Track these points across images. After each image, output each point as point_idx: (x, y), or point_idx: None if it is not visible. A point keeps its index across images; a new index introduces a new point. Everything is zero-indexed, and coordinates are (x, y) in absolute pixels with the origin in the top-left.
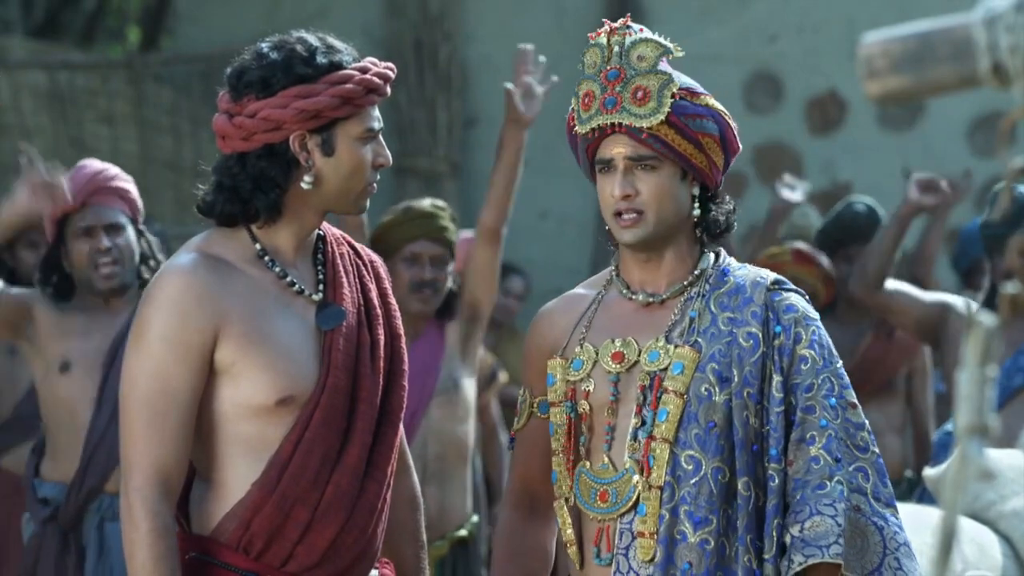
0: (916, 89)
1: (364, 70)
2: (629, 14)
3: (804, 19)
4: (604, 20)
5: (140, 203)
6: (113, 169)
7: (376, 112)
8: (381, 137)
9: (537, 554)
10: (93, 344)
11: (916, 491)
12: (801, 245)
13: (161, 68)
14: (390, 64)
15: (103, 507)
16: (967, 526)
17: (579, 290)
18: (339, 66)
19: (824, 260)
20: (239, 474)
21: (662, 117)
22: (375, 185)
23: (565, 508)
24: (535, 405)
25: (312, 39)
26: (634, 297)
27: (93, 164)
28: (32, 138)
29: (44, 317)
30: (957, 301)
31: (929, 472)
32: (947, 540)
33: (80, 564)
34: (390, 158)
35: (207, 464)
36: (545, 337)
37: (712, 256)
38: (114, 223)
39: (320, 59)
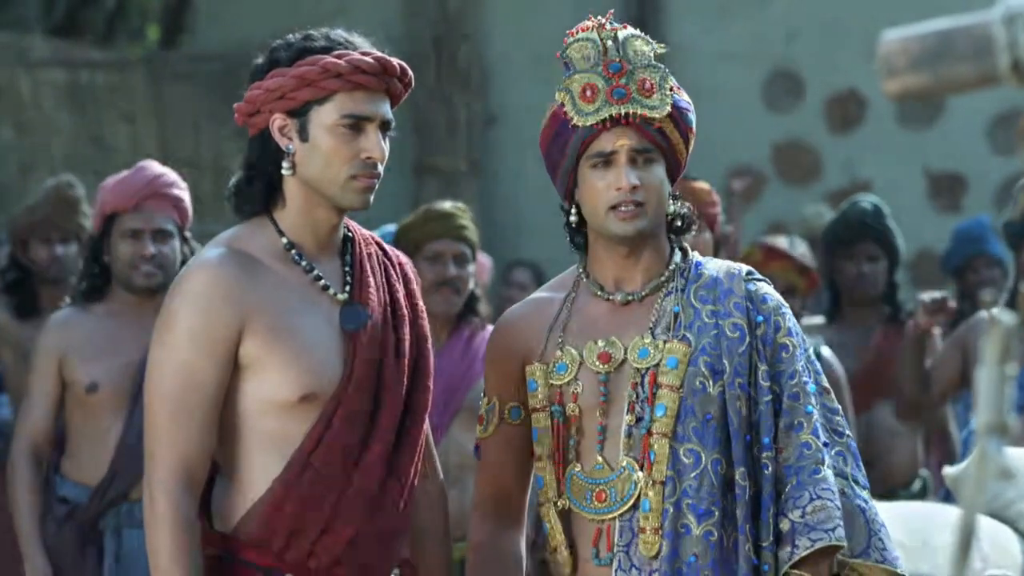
0: (935, 87)
1: (340, 56)
2: (610, 12)
3: (823, 17)
4: (588, 14)
5: (190, 211)
6: (172, 175)
7: (366, 103)
8: (377, 130)
9: (511, 560)
10: (121, 360)
11: (939, 490)
12: (769, 240)
13: (181, 66)
14: (382, 55)
15: (122, 513)
16: (986, 524)
17: (543, 293)
18: (313, 51)
19: (797, 250)
20: (261, 471)
21: (669, 109)
22: (374, 180)
23: (553, 512)
24: (506, 412)
25: (322, 31)
26: (611, 297)
27: (153, 167)
28: (52, 136)
29: (69, 349)
30: (963, 326)
31: (949, 470)
32: (966, 538)
33: (100, 563)
34: (380, 152)
35: (229, 461)
36: (515, 342)
37: (680, 251)
38: (162, 229)
39: (300, 44)
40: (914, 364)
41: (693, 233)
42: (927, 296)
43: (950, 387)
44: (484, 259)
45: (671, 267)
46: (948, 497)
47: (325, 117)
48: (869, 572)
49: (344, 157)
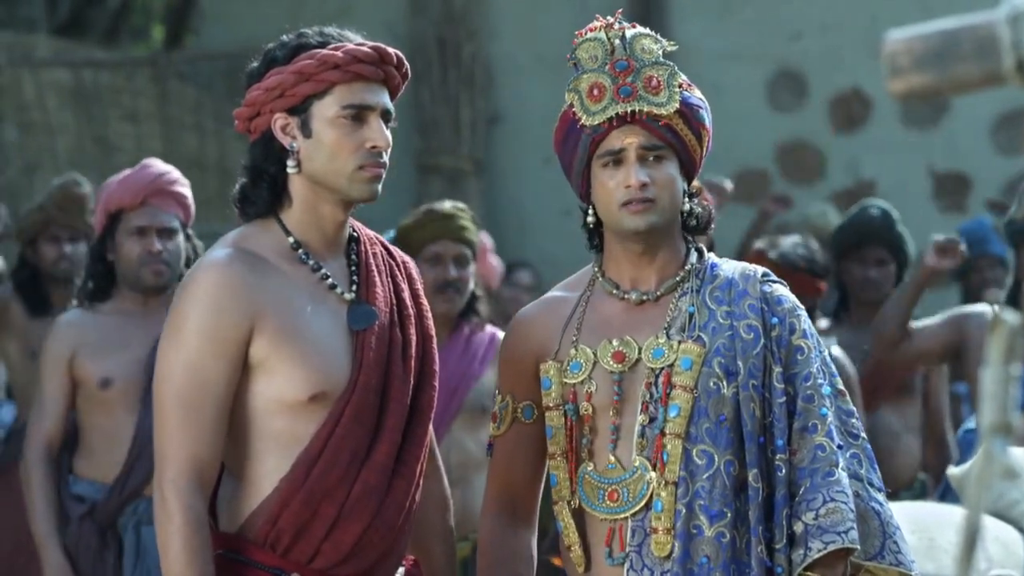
0: (939, 87)
1: (336, 48)
2: (619, 11)
3: (828, 17)
4: (595, 15)
5: (193, 209)
6: (175, 173)
7: (366, 93)
8: (379, 120)
9: (522, 559)
10: (132, 354)
11: (939, 489)
12: (761, 244)
13: (185, 66)
14: (378, 45)
15: (140, 510)
16: (991, 524)
17: (557, 292)
18: (309, 47)
19: (797, 251)
20: (268, 470)
21: (676, 106)
22: (380, 170)
23: (567, 510)
24: (519, 410)
25: (314, 29)
26: (626, 296)
27: (156, 165)
28: (57, 136)
29: (78, 348)
30: (966, 309)
31: (953, 470)
32: (971, 538)
33: (119, 560)
34: (385, 140)
35: (237, 460)
36: (529, 341)
37: (696, 252)
38: (168, 227)
39: (295, 42)
40: (907, 304)
41: (711, 231)
42: (939, 237)
43: (935, 348)
44: (495, 261)
45: (687, 267)
46: (944, 497)
47: (326, 110)
48: (884, 575)
49: (349, 148)
